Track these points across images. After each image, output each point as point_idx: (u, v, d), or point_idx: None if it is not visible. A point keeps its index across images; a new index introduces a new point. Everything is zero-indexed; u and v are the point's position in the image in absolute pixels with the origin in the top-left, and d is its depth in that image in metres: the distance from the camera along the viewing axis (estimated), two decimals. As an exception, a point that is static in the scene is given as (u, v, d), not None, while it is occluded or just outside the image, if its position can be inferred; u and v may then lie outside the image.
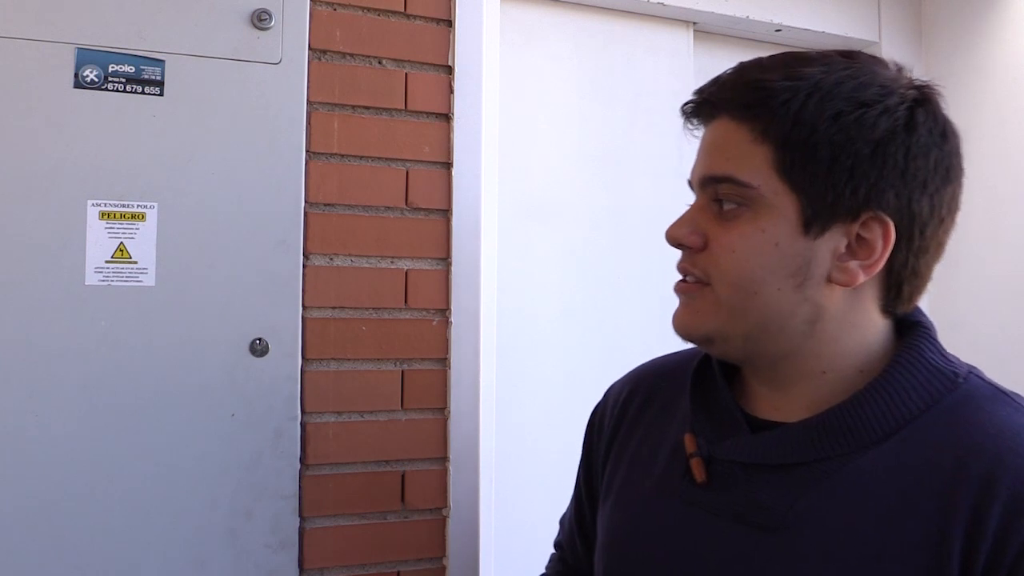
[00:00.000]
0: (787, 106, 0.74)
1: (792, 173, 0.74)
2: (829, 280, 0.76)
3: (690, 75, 1.66)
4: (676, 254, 0.83)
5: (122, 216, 1.14)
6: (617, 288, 1.60)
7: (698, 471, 0.81)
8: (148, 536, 1.13)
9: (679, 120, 0.85)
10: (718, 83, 0.80)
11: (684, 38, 1.68)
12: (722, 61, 1.74)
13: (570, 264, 1.58)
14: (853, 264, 0.75)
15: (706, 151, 0.81)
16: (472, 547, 1.32)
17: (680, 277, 0.83)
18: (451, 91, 1.34)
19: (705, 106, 0.81)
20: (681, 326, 0.82)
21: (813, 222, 0.74)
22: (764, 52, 1.84)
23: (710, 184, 0.79)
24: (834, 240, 0.75)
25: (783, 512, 0.74)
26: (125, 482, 1.13)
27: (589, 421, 1.03)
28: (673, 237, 0.82)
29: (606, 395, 1.02)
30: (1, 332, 1.09)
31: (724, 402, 0.84)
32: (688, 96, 0.82)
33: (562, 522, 1.08)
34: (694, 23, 1.68)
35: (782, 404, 0.81)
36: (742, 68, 0.79)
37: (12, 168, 1.10)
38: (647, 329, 1.58)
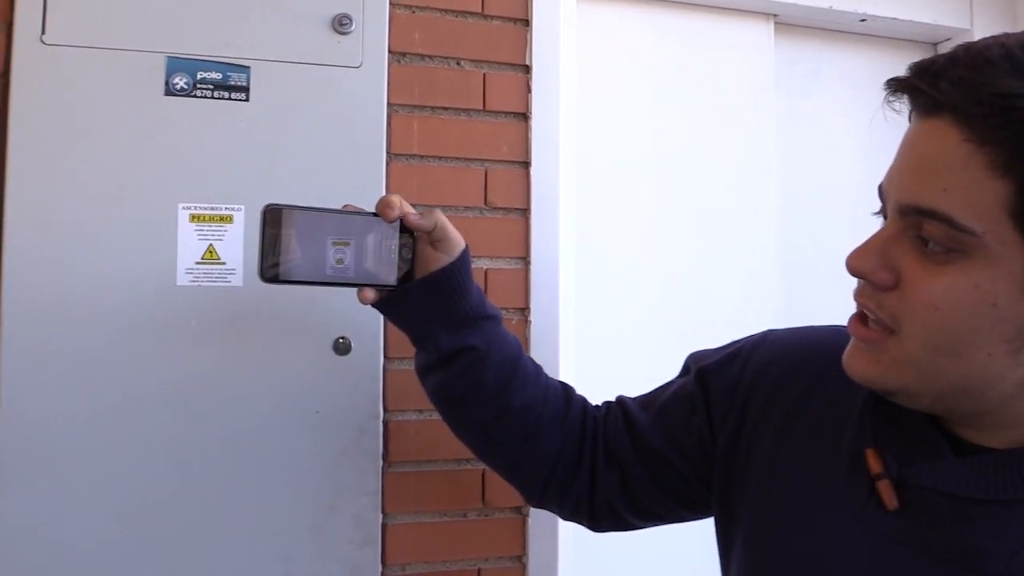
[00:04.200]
0: None
1: None
2: None
3: (770, 70, 1.63)
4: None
5: (211, 218, 1.17)
6: (697, 288, 1.58)
7: (888, 497, 0.70)
8: (235, 529, 1.16)
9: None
10: (949, 76, 0.62)
11: (765, 31, 1.64)
12: (804, 54, 1.71)
13: (649, 262, 1.57)
14: None
15: (915, 165, 0.65)
16: (551, 547, 1.32)
17: (856, 309, 0.72)
18: (529, 90, 1.34)
19: (924, 97, 0.64)
20: (860, 375, 0.71)
21: None
22: (848, 44, 1.79)
23: (913, 215, 0.64)
24: None
25: (1005, 559, 0.63)
26: (213, 477, 1.16)
27: (730, 354, 0.93)
28: (857, 270, 0.68)
29: (764, 340, 0.92)
30: (97, 332, 1.13)
31: (914, 415, 0.72)
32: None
33: (643, 404, 1.01)
34: (775, 15, 1.64)
35: (978, 436, 0.70)
36: (988, 62, 0.60)
37: (108, 173, 1.14)
38: (728, 329, 1.54)
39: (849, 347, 0.73)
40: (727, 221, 1.61)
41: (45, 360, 1.11)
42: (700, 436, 0.92)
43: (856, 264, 0.68)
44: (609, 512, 1.00)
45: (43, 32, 1.13)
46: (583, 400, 1.05)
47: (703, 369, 0.95)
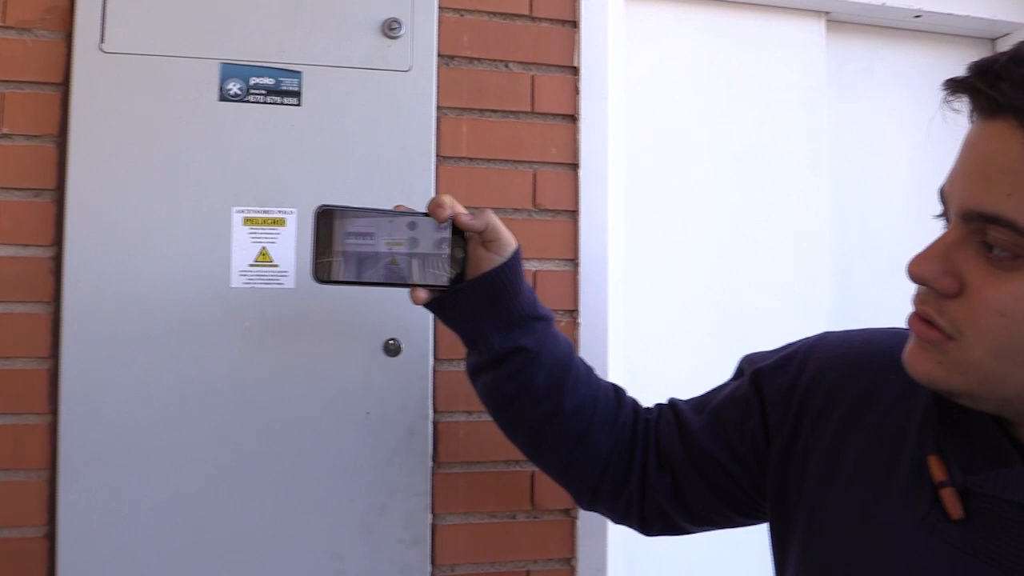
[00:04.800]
0: None
1: None
2: None
3: (822, 69, 1.60)
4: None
5: (264, 221, 1.19)
6: (747, 289, 1.57)
7: (953, 506, 0.67)
8: (288, 528, 1.18)
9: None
10: (1011, 76, 0.60)
11: (816, 29, 1.62)
12: (857, 52, 1.68)
13: (698, 263, 1.55)
14: None
15: (978, 169, 0.63)
16: (600, 549, 1.32)
17: (913, 308, 0.69)
18: (577, 92, 1.34)
19: (985, 99, 0.62)
20: (922, 375, 0.68)
21: None
22: (902, 41, 1.76)
23: (976, 220, 0.62)
24: None
25: None
26: (266, 476, 1.18)
27: (786, 356, 0.91)
28: (919, 276, 0.66)
29: (820, 343, 0.89)
30: (152, 334, 1.15)
31: (980, 421, 0.69)
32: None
33: (696, 406, 0.99)
34: (827, 13, 1.62)
35: None
36: None
37: (164, 177, 1.17)
38: (779, 331, 1.53)
39: (910, 345, 0.70)
40: (778, 222, 1.59)
41: (102, 362, 1.14)
42: (754, 440, 0.90)
43: (918, 271, 0.66)
44: (660, 516, 0.99)
45: (102, 41, 1.16)
46: (634, 402, 1.04)
47: (758, 371, 0.92)
